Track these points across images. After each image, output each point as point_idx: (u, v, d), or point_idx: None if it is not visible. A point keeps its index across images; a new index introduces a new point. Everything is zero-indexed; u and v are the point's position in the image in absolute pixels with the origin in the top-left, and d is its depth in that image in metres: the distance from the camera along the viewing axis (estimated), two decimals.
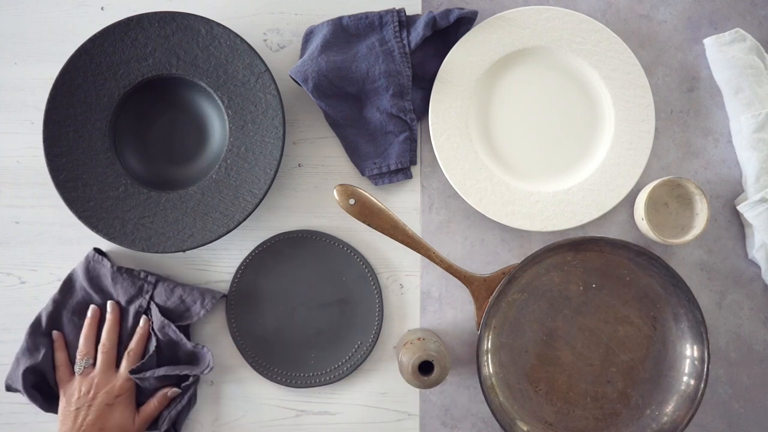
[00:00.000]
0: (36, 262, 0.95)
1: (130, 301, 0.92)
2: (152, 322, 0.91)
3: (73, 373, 0.90)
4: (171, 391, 0.90)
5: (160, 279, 0.92)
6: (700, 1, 0.95)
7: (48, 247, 0.95)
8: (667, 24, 0.95)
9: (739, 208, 0.91)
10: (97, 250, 0.93)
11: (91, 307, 0.92)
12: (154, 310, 0.90)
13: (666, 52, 0.95)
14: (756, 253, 0.91)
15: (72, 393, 0.89)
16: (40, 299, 0.95)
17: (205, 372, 0.89)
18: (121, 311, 0.92)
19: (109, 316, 0.91)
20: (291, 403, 0.94)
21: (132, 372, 0.88)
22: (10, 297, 0.95)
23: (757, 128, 0.90)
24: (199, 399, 0.94)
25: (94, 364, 0.90)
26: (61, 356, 0.91)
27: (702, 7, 0.95)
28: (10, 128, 0.96)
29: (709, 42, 0.93)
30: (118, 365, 0.91)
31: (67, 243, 0.95)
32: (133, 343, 0.91)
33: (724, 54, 0.92)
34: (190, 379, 0.90)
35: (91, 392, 0.88)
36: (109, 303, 0.92)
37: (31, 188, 0.96)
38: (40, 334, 0.91)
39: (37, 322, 0.92)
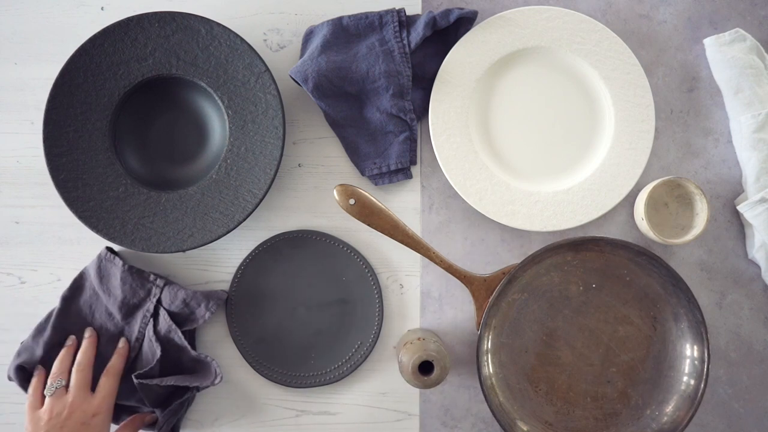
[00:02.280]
0: (36, 262, 0.95)
1: (137, 305, 0.91)
2: (159, 327, 0.90)
3: (44, 398, 0.87)
4: (149, 416, 0.91)
5: (168, 282, 0.91)
6: (700, 1, 0.95)
7: (48, 247, 0.95)
8: (667, 24, 0.95)
9: (739, 208, 0.91)
10: (110, 249, 0.93)
11: (70, 337, 0.90)
12: (163, 313, 0.90)
13: (666, 52, 0.95)
14: (756, 253, 0.91)
15: (41, 417, 0.85)
16: (40, 299, 0.95)
17: (216, 383, 0.88)
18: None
19: (86, 340, 0.90)
20: (291, 403, 0.94)
21: (138, 377, 0.87)
22: (10, 297, 0.95)
23: (757, 128, 0.90)
24: (199, 399, 0.94)
25: (67, 386, 0.87)
26: (36, 382, 0.88)
27: (702, 7, 0.95)
28: (10, 128, 0.96)
29: (709, 42, 0.93)
30: (93, 387, 0.88)
31: (67, 243, 0.95)
32: (113, 360, 0.89)
33: (724, 54, 0.91)
34: (193, 390, 0.89)
35: (65, 412, 0.85)
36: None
37: (31, 188, 0.96)
38: (42, 332, 0.91)
39: (45, 319, 0.92)
